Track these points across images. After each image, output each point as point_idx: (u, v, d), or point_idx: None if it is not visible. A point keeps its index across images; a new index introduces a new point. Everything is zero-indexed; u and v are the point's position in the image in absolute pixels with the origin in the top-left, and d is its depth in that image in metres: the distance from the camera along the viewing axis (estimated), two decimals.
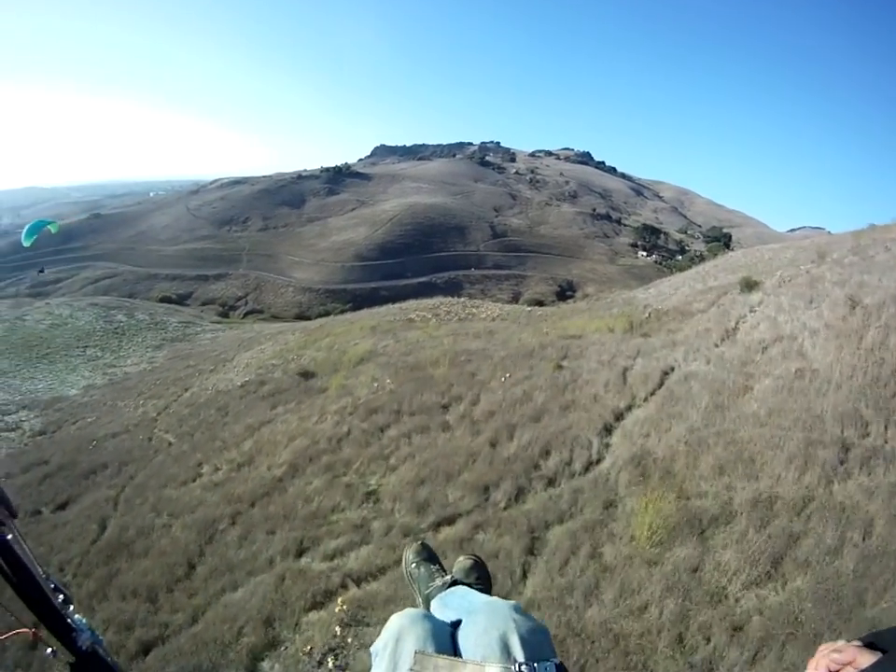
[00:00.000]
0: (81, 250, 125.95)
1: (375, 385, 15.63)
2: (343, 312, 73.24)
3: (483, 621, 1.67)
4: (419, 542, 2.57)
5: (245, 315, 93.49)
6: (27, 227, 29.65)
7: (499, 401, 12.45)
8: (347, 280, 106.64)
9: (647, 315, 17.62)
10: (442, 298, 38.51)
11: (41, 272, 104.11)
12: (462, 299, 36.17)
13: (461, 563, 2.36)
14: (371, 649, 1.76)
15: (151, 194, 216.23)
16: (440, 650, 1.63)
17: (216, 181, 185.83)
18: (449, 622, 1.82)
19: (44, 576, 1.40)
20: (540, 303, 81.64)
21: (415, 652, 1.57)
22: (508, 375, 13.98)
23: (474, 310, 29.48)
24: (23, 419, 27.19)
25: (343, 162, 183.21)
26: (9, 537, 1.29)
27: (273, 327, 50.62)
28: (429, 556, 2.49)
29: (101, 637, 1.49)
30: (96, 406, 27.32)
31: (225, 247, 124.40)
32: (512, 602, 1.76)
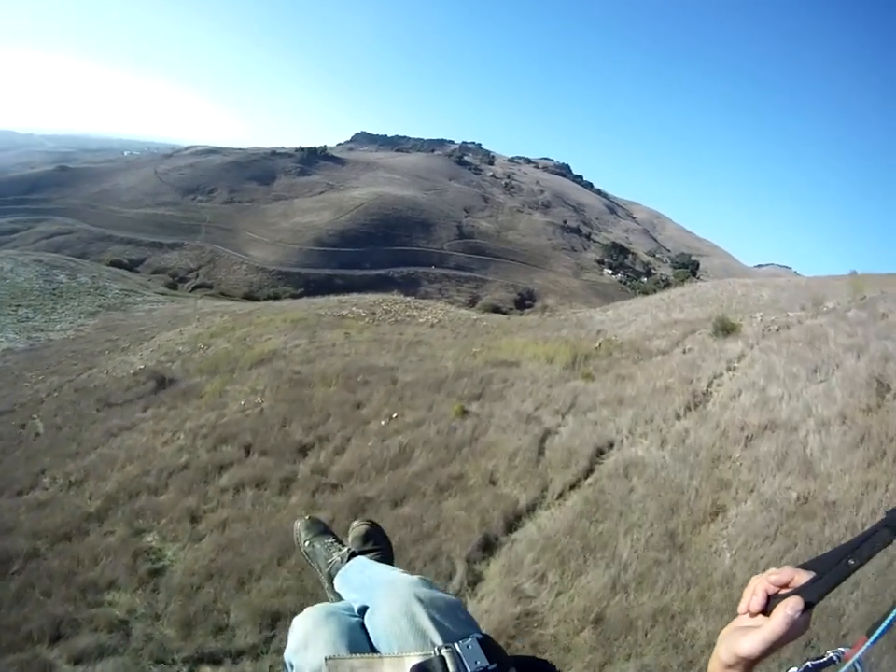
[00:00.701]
0: (42, 202, 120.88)
1: (251, 399, 12.86)
2: (292, 296, 71.83)
3: (387, 606, 1.60)
4: (307, 518, 2.52)
5: (194, 288, 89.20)
6: None
7: (367, 457, 9.46)
8: (303, 264, 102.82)
9: (597, 344, 14.80)
10: (387, 295, 35.47)
11: None
12: (408, 298, 33.29)
13: (355, 530, 2.34)
14: (285, 658, 1.69)
15: (125, 153, 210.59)
16: (353, 648, 1.58)
17: (190, 147, 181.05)
18: (356, 608, 1.77)
19: None
20: (497, 310, 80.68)
21: (326, 659, 1.48)
22: (395, 415, 10.94)
23: (416, 312, 26.14)
24: None
25: (322, 145, 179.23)
26: None
27: (212, 305, 47.70)
28: (322, 530, 2.43)
29: None
30: (3, 374, 25.42)
31: (186, 216, 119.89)
32: (415, 577, 1.72)
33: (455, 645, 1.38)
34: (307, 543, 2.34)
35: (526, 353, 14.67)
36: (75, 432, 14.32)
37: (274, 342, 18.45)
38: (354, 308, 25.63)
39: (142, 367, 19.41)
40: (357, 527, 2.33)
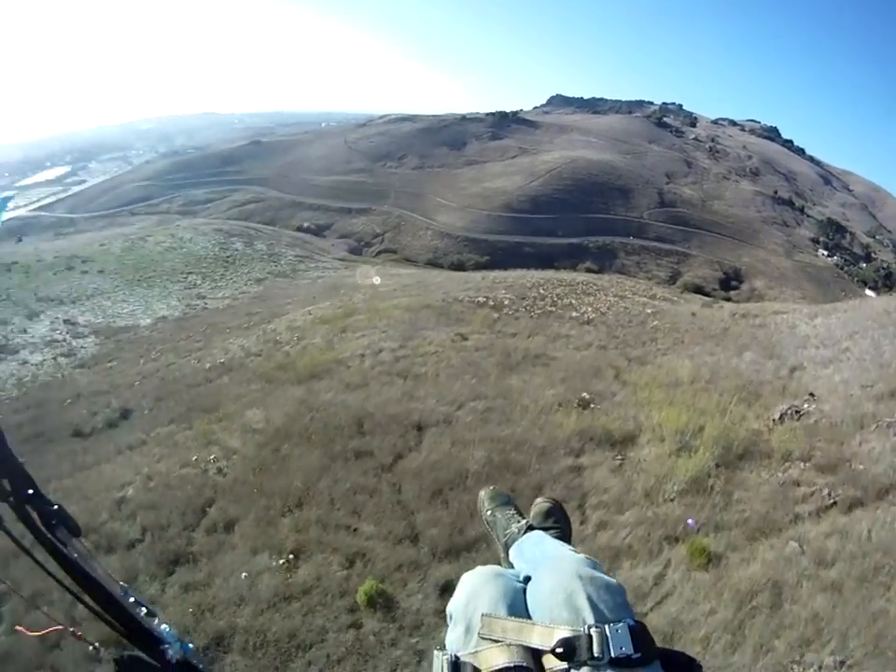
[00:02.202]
0: (237, 174, 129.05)
1: (210, 459, 9.11)
2: (477, 265, 70.21)
3: (549, 579, 1.63)
4: (492, 488, 2.61)
5: (378, 253, 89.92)
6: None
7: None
8: (491, 230, 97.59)
9: (776, 416, 9.21)
10: (557, 273, 31.96)
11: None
12: (581, 279, 29.22)
13: (538, 506, 2.38)
14: (447, 609, 1.75)
15: (323, 125, 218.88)
16: (511, 610, 1.60)
17: (384, 116, 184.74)
18: (522, 576, 1.79)
19: (122, 592, 1.36)
20: (699, 290, 73.75)
21: (482, 615, 1.55)
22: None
23: (577, 300, 21.83)
24: (85, 346, 27.52)
25: (519, 109, 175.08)
26: (76, 556, 1.25)
27: (387, 272, 46.45)
28: (505, 501, 2.53)
29: (190, 646, 1.42)
30: (138, 345, 26.13)
31: (375, 182, 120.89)
32: (582, 556, 1.76)
33: (606, 627, 1.35)
34: (489, 512, 2.42)
35: (654, 418, 9.28)
36: (114, 435, 13.15)
37: (361, 342, 15.16)
38: (503, 292, 21.59)
39: (221, 361, 17.26)
40: (541, 503, 2.34)
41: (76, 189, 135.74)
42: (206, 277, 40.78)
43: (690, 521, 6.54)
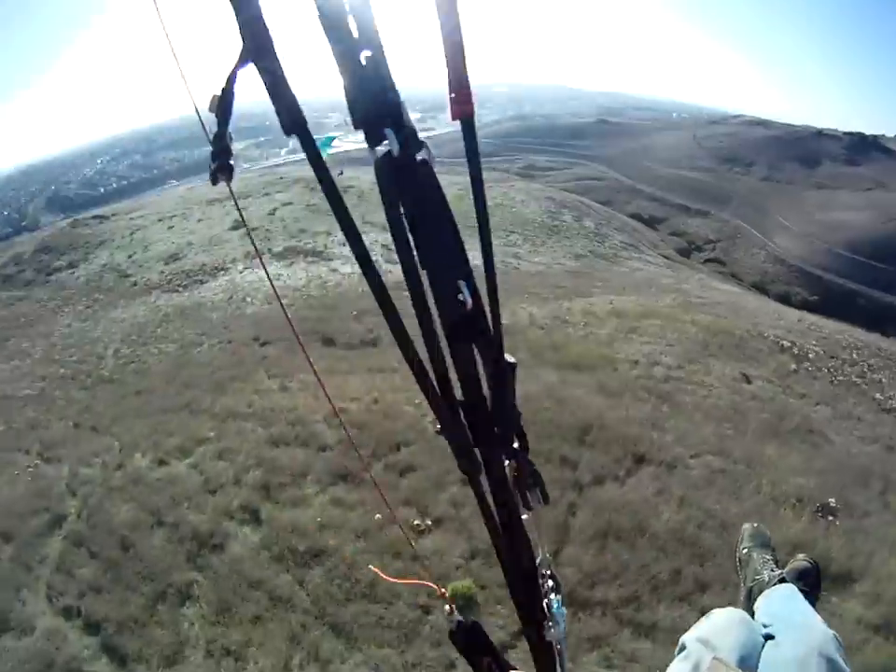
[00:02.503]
0: (581, 148, 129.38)
1: None
2: (802, 303, 63.14)
3: (791, 649, 1.67)
4: (756, 525, 2.65)
5: (706, 261, 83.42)
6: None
7: None
8: (827, 268, 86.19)
9: None
10: (878, 338, 25.06)
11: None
12: None
13: (797, 563, 2.37)
14: (682, 639, 1.82)
15: (674, 115, 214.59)
16: (743, 663, 1.63)
17: (737, 116, 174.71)
18: (764, 632, 1.81)
19: (539, 558, 1.34)
20: None
21: (713, 658, 1.58)
22: None
23: (890, 380, 15.11)
24: (393, 272, 27.30)
25: (881, 133, 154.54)
26: (525, 517, 1.22)
27: (700, 282, 42.28)
28: (766, 542, 2.55)
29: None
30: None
31: (718, 185, 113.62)
32: (831, 633, 1.74)
33: None
34: (745, 550, 2.46)
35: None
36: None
37: (642, 348, 12.75)
38: (813, 342, 16.78)
39: (504, 322, 14.39)
40: (801, 560, 2.35)
41: (424, 134, 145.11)
42: (527, 240, 39.38)
43: None
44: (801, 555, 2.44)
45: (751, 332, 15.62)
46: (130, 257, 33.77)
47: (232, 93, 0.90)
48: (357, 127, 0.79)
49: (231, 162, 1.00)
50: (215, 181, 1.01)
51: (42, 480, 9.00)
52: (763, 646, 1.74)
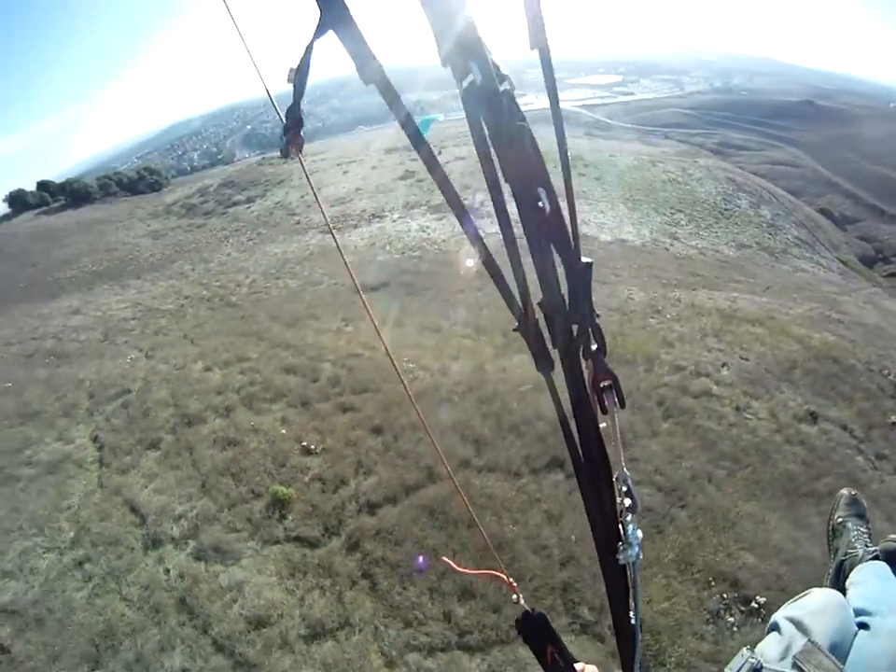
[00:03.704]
0: (780, 129, 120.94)
1: None
2: None
3: (885, 642, 1.60)
4: (853, 493, 2.54)
5: (889, 275, 75.07)
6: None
7: None
8: None
9: None
10: None
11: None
12: None
13: (888, 544, 2.20)
14: (775, 616, 1.79)
15: (891, 105, 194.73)
16: (836, 650, 1.56)
17: None
18: (858, 619, 1.74)
19: (615, 473, 1.32)
20: None
21: (808, 641, 1.55)
22: None
23: None
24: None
25: None
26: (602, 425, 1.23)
27: (868, 298, 38.35)
28: (862, 513, 2.45)
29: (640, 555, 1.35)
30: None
31: None
32: None
33: None
34: (840, 519, 2.37)
35: None
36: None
37: (706, 355, 11.65)
38: None
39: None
40: (892, 541, 2.17)
41: (621, 98, 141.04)
42: (692, 221, 38.44)
43: None
44: (893, 535, 2.22)
45: (870, 366, 12.37)
46: (302, 197, 36.09)
47: (309, 65, 0.97)
48: (444, 64, 0.86)
49: (303, 134, 1.07)
50: (285, 154, 1.08)
51: (133, 367, 12.69)
52: (857, 634, 1.69)
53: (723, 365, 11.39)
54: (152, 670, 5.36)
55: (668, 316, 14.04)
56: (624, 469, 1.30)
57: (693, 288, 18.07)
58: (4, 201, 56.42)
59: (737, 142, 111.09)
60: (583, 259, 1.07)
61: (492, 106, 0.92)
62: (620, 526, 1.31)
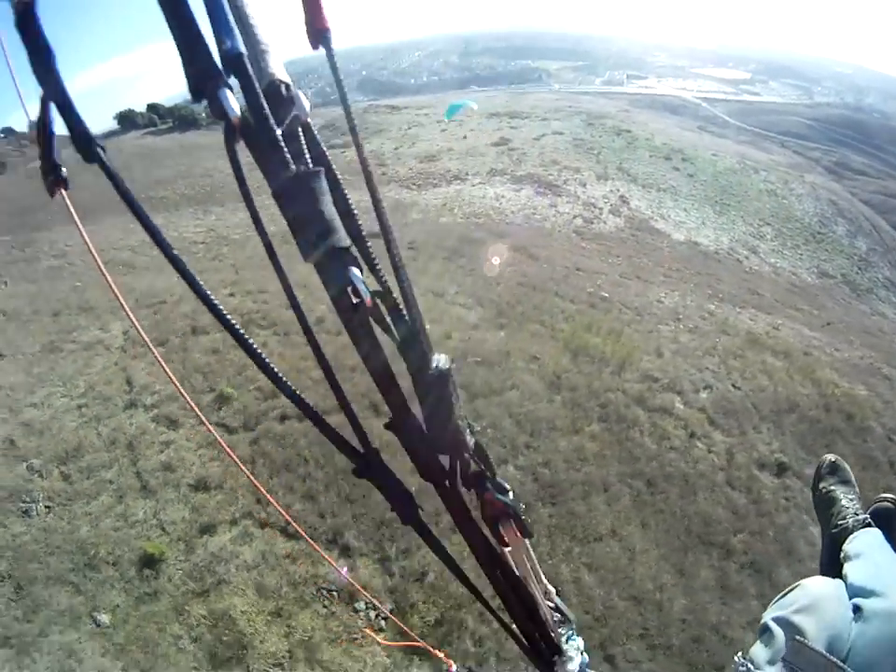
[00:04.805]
0: None
1: None
2: None
3: (883, 626, 1.56)
4: (834, 459, 2.42)
5: None
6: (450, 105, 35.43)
7: None
8: None
9: None
10: None
11: None
12: None
13: (881, 506, 2.16)
14: (765, 617, 1.74)
15: None
16: (832, 643, 1.53)
17: None
18: (853, 602, 1.68)
19: (544, 592, 1.26)
20: None
21: (794, 639, 1.54)
22: None
23: None
24: (606, 223, 27.61)
25: None
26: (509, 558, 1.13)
27: None
28: (848, 480, 2.36)
29: (587, 659, 1.34)
30: (646, 253, 24.36)
31: None
32: None
33: None
34: (824, 489, 2.26)
35: None
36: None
37: (689, 373, 11.00)
38: None
39: (627, 305, 14.64)
40: (884, 504, 2.12)
41: (745, 97, 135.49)
42: (778, 237, 37.01)
43: None
44: (883, 495, 2.17)
45: (891, 435, 10.99)
46: (396, 149, 36.89)
47: (52, 120, 0.77)
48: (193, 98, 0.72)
49: (64, 175, 0.87)
50: (52, 194, 0.89)
51: (176, 284, 13.52)
52: (853, 620, 1.63)
53: (706, 388, 10.78)
54: (92, 476, 7.79)
55: (683, 327, 13.73)
56: (548, 586, 1.27)
57: (740, 306, 17.50)
58: (114, 118, 58.99)
59: (856, 165, 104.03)
60: (437, 363, 0.87)
61: (261, 149, 0.75)
62: (555, 642, 1.26)
